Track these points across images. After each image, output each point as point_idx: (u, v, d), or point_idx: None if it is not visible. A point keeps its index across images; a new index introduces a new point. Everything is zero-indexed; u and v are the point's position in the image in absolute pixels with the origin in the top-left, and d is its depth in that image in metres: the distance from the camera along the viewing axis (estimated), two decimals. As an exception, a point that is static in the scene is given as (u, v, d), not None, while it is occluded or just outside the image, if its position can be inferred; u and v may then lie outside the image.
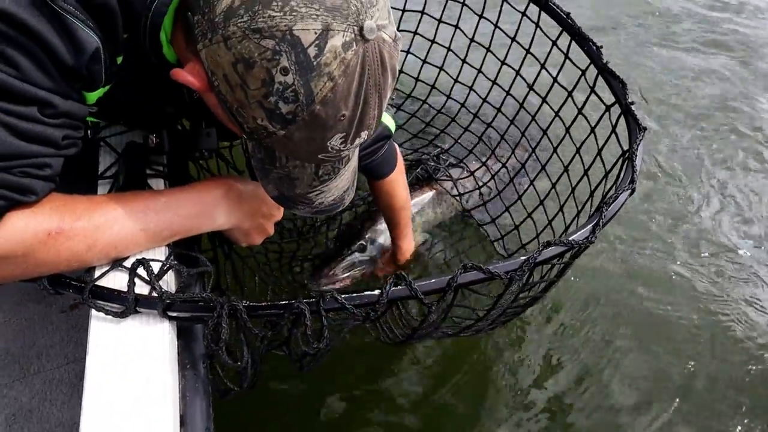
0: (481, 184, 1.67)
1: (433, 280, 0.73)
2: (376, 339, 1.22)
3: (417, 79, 1.69)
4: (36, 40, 0.57)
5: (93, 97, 0.68)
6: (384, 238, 1.54)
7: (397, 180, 1.30)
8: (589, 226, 0.80)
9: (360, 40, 0.58)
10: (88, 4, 0.60)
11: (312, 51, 0.56)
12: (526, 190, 1.50)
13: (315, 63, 0.57)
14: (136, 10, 0.63)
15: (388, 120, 1.09)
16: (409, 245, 1.49)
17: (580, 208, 1.18)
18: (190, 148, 0.90)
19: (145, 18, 0.64)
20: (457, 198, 1.66)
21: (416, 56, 1.61)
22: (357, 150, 0.75)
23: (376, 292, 0.69)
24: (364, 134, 0.66)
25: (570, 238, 0.78)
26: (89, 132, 0.94)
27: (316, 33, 0.56)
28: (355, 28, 0.57)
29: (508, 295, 0.83)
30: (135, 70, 0.71)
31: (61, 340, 1.13)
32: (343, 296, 0.68)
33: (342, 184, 0.76)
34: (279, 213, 0.91)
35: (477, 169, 1.69)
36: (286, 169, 0.70)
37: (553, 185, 1.31)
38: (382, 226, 1.52)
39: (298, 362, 0.84)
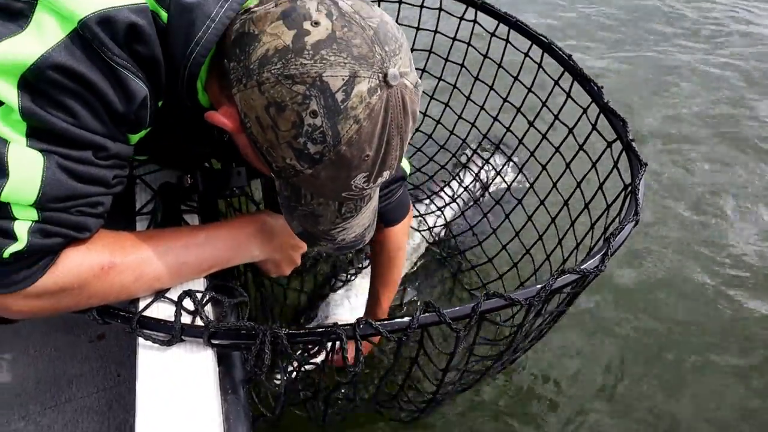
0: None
1: (457, 308, 0.76)
2: (389, 419, 1.23)
3: (424, 114, 1.77)
4: (92, 90, 0.62)
5: (135, 138, 0.73)
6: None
7: (405, 231, 1.30)
8: (599, 256, 0.84)
9: (384, 85, 0.62)
10: (138, 57, 0.65)
11: (339, 96, 0.61)
12: (500, 225, 1.59)
13: (342, 107, 0.61)
14: (176, 60, 0.68)
15: (404, 162, 1.12)
16: (388, 305, 1.43)
17: (578, 241, 1.22)
18: (222, 186, 0.95)
19: (183, 68, 0.68)
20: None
21: (426, 94, 1.67)
22: (378, 189, 0.79)
23: (406, 318, 0.75)
24: (386, 174, 0.70)
25: (582, 267, 0.82)
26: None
27: (343, 79, 0.60)
28: (380, 74, 0.62)
29: (526, 324, 0.88)
30: (171, 113, 0.76)
31: (90, 369, 1.17)
32: (377, 323, 0.74)
33: (363, 222, 0.81)
34: (305, 245, 0.96)
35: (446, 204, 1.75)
36: (310, 207, 0.74)
37: (553, 219, 1.35)
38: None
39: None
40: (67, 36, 0.60)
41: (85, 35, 0.60)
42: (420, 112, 1.74)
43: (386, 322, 0.75)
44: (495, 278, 1.61)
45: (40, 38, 0.59)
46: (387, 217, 1.18)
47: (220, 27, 0.66)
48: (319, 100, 0.61)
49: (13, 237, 0.64)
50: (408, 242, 1.56)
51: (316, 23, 0.62)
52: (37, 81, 0.59)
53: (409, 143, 0.72)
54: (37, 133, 0.61)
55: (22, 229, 0.64)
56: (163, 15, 0.66)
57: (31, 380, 1.14)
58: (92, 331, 1.24)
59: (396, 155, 0.69)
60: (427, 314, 0.75)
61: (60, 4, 0.59)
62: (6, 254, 0.64)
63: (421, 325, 0.75)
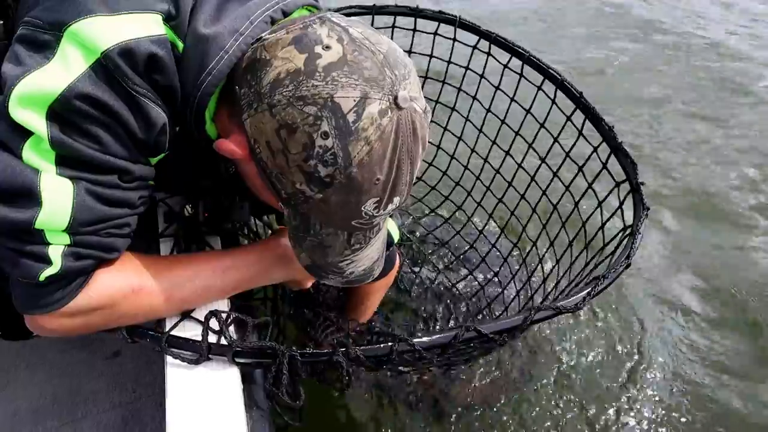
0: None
1: (435, 337, 0.80)
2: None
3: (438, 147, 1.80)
4: (115, 118, 0.64)
5: (154, 161, 0.76)
6: None
7: (378, 290, 1.31)
8: (581, 295, 0.85)
9: (394, 108, 0.62)
10: (157, 86, 0.67)
11: (351, 117, 0.61)
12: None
13: (353, 128, 0.61)
14: (187, 89, 0.69)
15: (392, 228, 1.09)
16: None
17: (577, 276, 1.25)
18: (223, 218, 0.98)
19: (193, 97, 0.69)
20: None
21: (437, 124, 1.71)
22: (387, 220, 0.79)
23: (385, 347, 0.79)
24: (396, 200, 0.69)
25: (559, 304, 0.84)
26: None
27: (355, 100, 0.61)
28: (390, 97, 0.62)
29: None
30: (181, 141, 0.77)
31: (106, 385, 1.19)
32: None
33: (372, 255, 0.80)
34: None
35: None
36: (319, 237, 0.74)
37: (559, 259, 1.38)
38: None
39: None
40: (91, 66, 0.62)
41: (107, 65, 0.62)
42: (431, 142, 1.78)
43: (366, 348, 0.79)
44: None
45: (65, 69, 0.61)
46: None
47: (232, 59, 0.67)
48: (331, 121, 0.61)
49: (48, 261, 0.67)
50: None
51: (328, 47, 0.63)
52: (63, 111, 0.62)
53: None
54: (66, 161, 0.64)
55: (55, 253, 0.67)
56: (180, 45, 0.68)
57: (47, 396, 1.16)
58: (108, 347, 1.26)
59: (407, 180, 0.68)
60: (401, 343, 0.78)
61: (84, 36, 0.61)
62: (42, 278, 0.67)
63: (398, 353, 0.78)
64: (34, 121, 0.61)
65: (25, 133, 0.62)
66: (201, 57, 0.67)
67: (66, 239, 0.67)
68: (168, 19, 0.67)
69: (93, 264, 0.72)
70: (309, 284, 1.01)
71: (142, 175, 0.72)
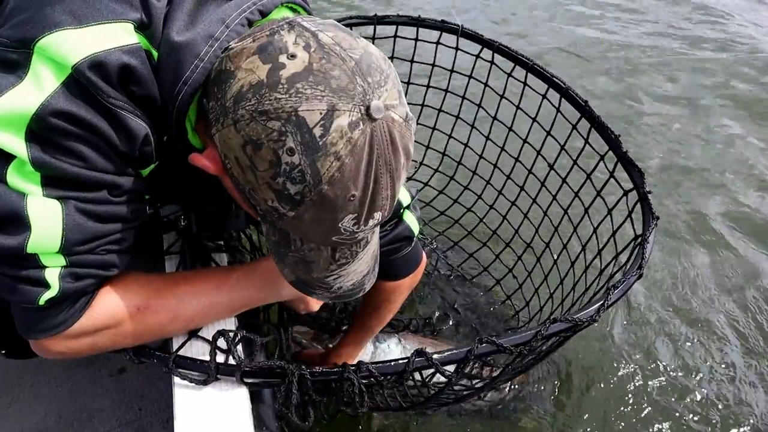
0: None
1: (449, 353, 0.80)
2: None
3: (443, 154, 1.79)
4: (94, 132, 0.61)
5: (145, 172, 0.73)
6: None
7: (405, 286, 1.18)
8: (595, 307, 0.84)
9: (367, 119, 0.58)
10: (134, 97, 0.64)
11: (317, 131, 0.57)
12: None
13: (321, 143, 0.57)
14: (165, 100, 0.66)
15: (411, 221, 1.02)
16: (356, 350, 1.34)
17: (587, 286, 1.25)
18: (218, 228, 0.95)
19: (172, 107, 0.66)
20: None
21: (441, 131, 1.70)
22: (377, 234, 0.75)
23: (402, 362, 0.79)
24: (377, 215, 0.65)
25: (575, 317, 0.83)
26: (147, 208, 1.03)
27: (321, 113, 0.57)
28: (362, 107, 0.58)
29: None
30: (170, 150, 0.74)
31: (111, 403, 1.19)
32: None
33: (361, 268, 0.76)
34: None
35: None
36: (301, 252, 0.70)
37: (572, 264, 1.37)
38: None
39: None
40: (64, 82, 0.59)
41: (80, 79, 0.59)
42: (436, 150, 1.77)
43: (380, 365, 0.79)
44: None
45: (38, 87, 0.59)
46: (387, 272, 1.08)
47: (207, 66, 0.64)
48: (296, 137, 0.57)
49: (45, 285, 0.65)
50: None
51: (293, 56, 0.59)
52: (41, 130, 0.59)
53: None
54: (52, 181, 0.62)
55: (52, 276, 0.65)
56: (155, 54, 0.65)
57: (53, 415, 1.15)
58: (113, 365, 1.25)
59: (387, 195, 0.64)
60: (419, 359, 0.77)
61: (53, 51, 0.59)
62: (42, 301, 0.65)
63: (415, 368, 0.77)
64: (14, 143, 0.59)
65: (6, 157, 0.60)
66: (176, 66, 0.64)
67: (62, 260, 0.66)
68: (141, 27, 0.64)
69: (94, 283, 0.70)
70: (317, 307, 0.98)
71: (133, 188, 0.70)
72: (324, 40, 0.60)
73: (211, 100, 0.63)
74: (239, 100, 0.59)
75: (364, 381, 0.80)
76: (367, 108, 0.58)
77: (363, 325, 1.26)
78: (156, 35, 0.65)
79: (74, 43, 0.59)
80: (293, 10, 0.73)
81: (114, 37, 0.61)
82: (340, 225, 0.64)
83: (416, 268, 1.14)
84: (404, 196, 0.95)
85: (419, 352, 0.79)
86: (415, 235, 1.05)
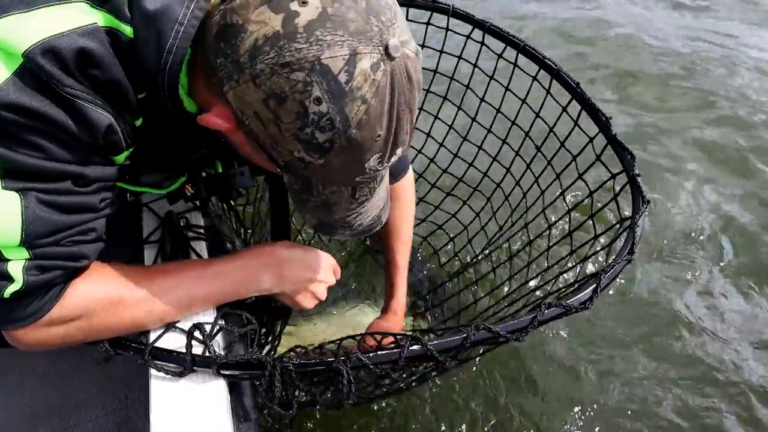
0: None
1: (444, 340, 0.77)
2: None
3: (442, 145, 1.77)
4: (51, 124, 0.59)
5: (120, 158, 0.71)
6: None
7: (410, 182, 1.25)
8: (588, 290, 0.83)
9: (386, 59, 0.59)
10: (96, 82, 0.61)
11: (342, 77, 0.57)
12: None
13: (347, 89, 0.58)
14: (152, 73, 0.64)
15: None
16: (406, 263, 1.35)
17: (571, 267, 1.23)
18: (226, 190, 0.93)
19: (161, 80, 0.64)
20: None
21: (429, 113, 1.68)
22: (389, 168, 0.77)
23: (395, 351, 0.76)
24: (399, 151, 0.67)
25: (568, 302, 0.81)
26: (128, 195, 1.01)
27: (344, 59, 0.57)
28: (380, 48, 0.58)
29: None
30: (157, 124, 0.73)
31: (97, 391, 1.18)
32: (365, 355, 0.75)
33: (378, 203, 0.79)
34: (331, 278, 0.94)
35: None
36: (323, 196, 0.72)
37: (549, 247, 1.36)
38: None
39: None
40: (15, 72, 0.57)
41: (32, 68, 0.57)
42: (420, 130, 1.75)
43: (374, 354, 0.76)
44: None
45: None
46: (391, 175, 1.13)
47: (190, 30, 0.62)
48: (322, 85, 0.57)
49: (8, 278, 0.64)
50: None
51: (304, 2, 0.58)
52: None
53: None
54: (10, 174, 0.60)
55: (16, 268, 0.64)
56: (126, 29, 0.62)
57: (39, 404, 1.15)
58: (98, 353, 1.23)
59: (407, 130, 0.66)
60: (415, 347, 0.75)
61: (1, 39, 0.56)
62: (7, 294, 0.64)
63: (407, 357, 0.75)
64: None
65: None
66: (156, 36, 0.61)
67: (25, 253, 0.64)
68: (98, 3, 0.60)
69: (62, 274, 0.69)
70: (310, 304, 0.94)
71: (100, 176, 0.67)
72: None
73: (219, 57, 0.61)
74: (256, 55, 0.58)
75: (353, 371, 0.78)
76: (386, 48, 0.58)
77: (398, 235, 1.30)
78: (121, 9, 0.61)
79: (23, 28, 0.57)
80: None
81: (68, 19, 0.58)
82: (366, 165, 0.65)
83: (408, 163, 1.25)
84: None
85: (414, 339, 0.77)
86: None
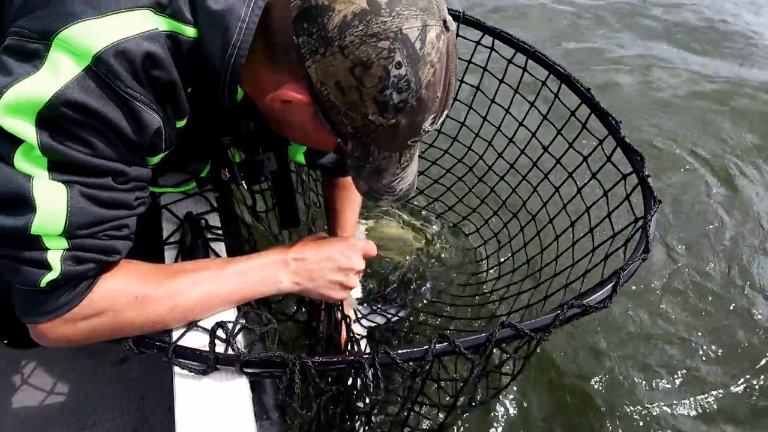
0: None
1: (470, 338, 0.78)
2: None
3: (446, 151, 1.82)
4: (105, 123, 0.64)
5: (154, 160, 0.76)
6: None
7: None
8: (607, 288, 0.84)
9: (445, 30, 0.69)
10: (157, 83, 0.67)
11: (417, 44, 0.67)
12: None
13: (421, 54, 0.67)
14: (216, 69, 0.71)
15: None
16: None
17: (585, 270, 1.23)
18: (257, 174, 0.98)
19: (225, 73, 0.71)
20: None
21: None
22: None
23: (423, 348, 0.77)
24: (445, 113, 0.77)
25: (586, 302, 0.83)
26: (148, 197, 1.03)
27: (418, 29, 0.67)
28: (441, 21, 0.69)
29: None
30: (196, 115, 0.78)
31: (113, 392, 1.19)
32: (394, 353, 0.77)
33: (414, 169, 0.88)
34: (358, 263, 0.95)
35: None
36: (377, 162, 0.80)
37: (573, 244, 1.35)
38: None
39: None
40: (81, 72, 0.62)
41: (99, 70, 0.62)
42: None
43: (402, 351, 0.77)
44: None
45: (54, 76, 0.61)
46: (338, 170, 1.29)
47: (251, 26, 0.69)
48: (402, 51, 0.67)
49: (47, 267, 0.67)
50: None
51: None
52: (52, 118, 0.61)
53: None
54: (58, 166, 0.64)
55: (55, 258, 0.67)
56: (188, 31, 0.69)
57: (56, 405, 1.16)
58: (115, 355, 1.26)
59: (453, 94, 0.77)
60: (442, 344, 0.76)
61: (73, 42, 0.61)
62: (43, 283, 0.67)
63: (435, 355, 0.76)
64: (24, 128, 0.61)
65: (15, 141, 0.62)
66: (223, 33, 0.69)
67: (64, 243, 0.67)
68: (160, 10, 0.67)
69: (95, 268, 0.71)
70: (341, 295, 0.95)
71: (138, 176, 0.72)
72: None
73: (302, 35, 0.68)
74: (345, 29, 0.66)
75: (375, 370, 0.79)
76: (444, 21, 0.69)
77: (348, 220, 1.41)
78: (182, 12, 0.68)
79: (95, 33, 0.62)
80: None
81: (135, 24, 0.64)
82: (423, 126, 0.74)
83: None
84: None
85: (442, 336, 0.78)
86: None
